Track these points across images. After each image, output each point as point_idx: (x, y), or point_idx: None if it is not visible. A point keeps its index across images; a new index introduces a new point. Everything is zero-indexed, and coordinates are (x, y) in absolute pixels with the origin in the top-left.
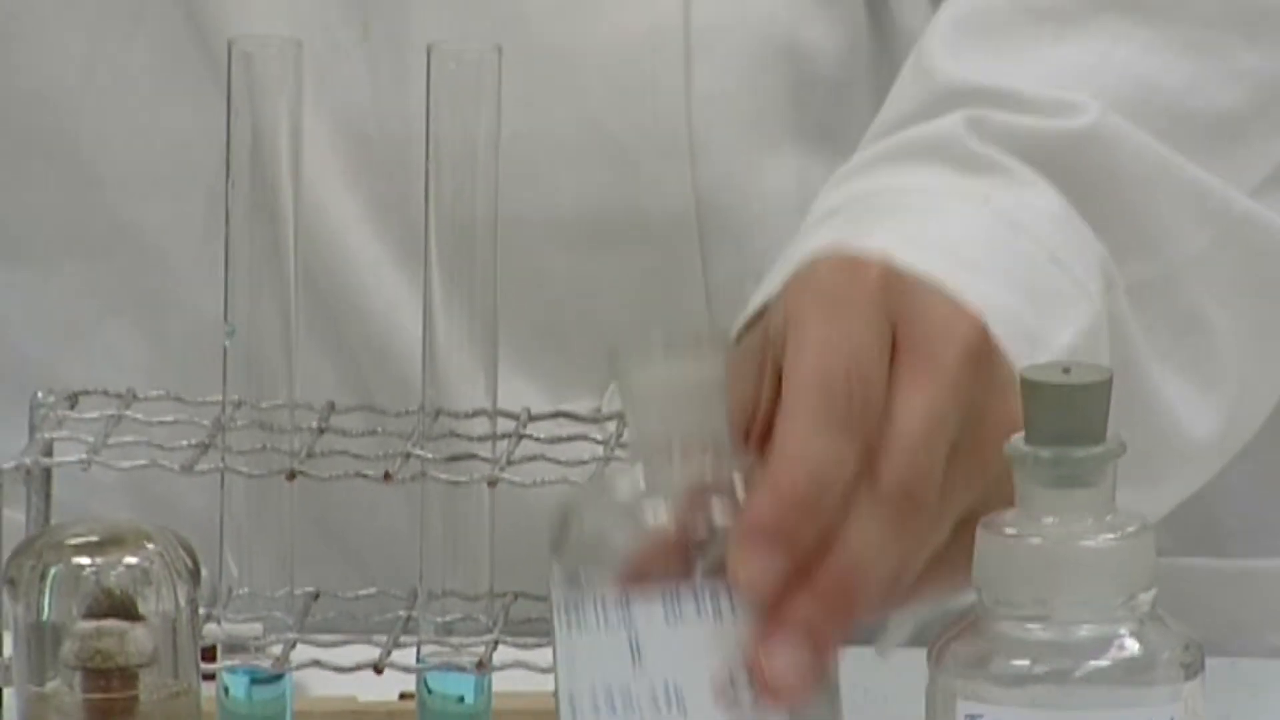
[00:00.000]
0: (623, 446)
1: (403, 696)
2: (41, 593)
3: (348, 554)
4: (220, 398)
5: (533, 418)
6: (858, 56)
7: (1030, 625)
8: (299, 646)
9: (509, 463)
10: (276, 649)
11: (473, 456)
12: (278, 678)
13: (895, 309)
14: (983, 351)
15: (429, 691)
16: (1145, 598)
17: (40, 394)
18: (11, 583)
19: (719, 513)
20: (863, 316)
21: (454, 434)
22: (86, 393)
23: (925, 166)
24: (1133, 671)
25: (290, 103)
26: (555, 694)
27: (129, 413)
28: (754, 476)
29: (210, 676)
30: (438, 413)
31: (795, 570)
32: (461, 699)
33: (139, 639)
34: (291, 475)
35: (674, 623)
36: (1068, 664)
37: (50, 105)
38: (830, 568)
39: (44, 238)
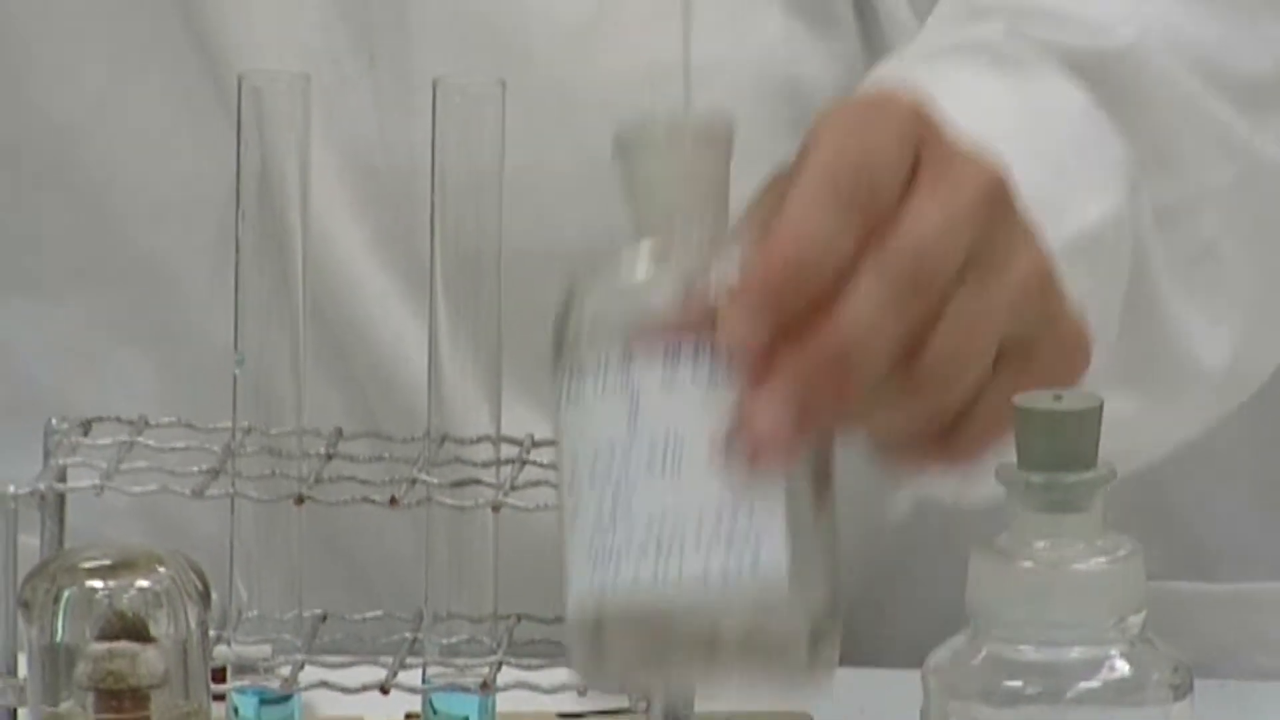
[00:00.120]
0: None
1: (408, 717)
2: (55, 615)
3: (355, 577)
4: (230, 424)
5: (536, 444)
6: (853, 89)
7: (1023, 646)
8: (307, 668)
9: (513, 488)
10: (285, 670)
11: (477, 482)
12: (286, 698)
13: (920, 137)
14: (1002, 196)
15: (434, 712)
16: (1135, 620)
17: (54, 421)
18: (26, 605)
19: (719, 292)
20: (885, 131)
21: (459, 460)
22: (99, 419)
23: (960, 61)
24: (1123, 692)
25: (298, 136)
26: (558, 473)
27: (141, 439)
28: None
29: (220, 697)
30: (443, 439)
31: (787, 340)
32: (466, 719)
33: (151, 660)
34: (300, 500)
35: (672, 387)
36: (1059, 685)
37: (64, 138)
38: (822, 332)
39: (58, 268)
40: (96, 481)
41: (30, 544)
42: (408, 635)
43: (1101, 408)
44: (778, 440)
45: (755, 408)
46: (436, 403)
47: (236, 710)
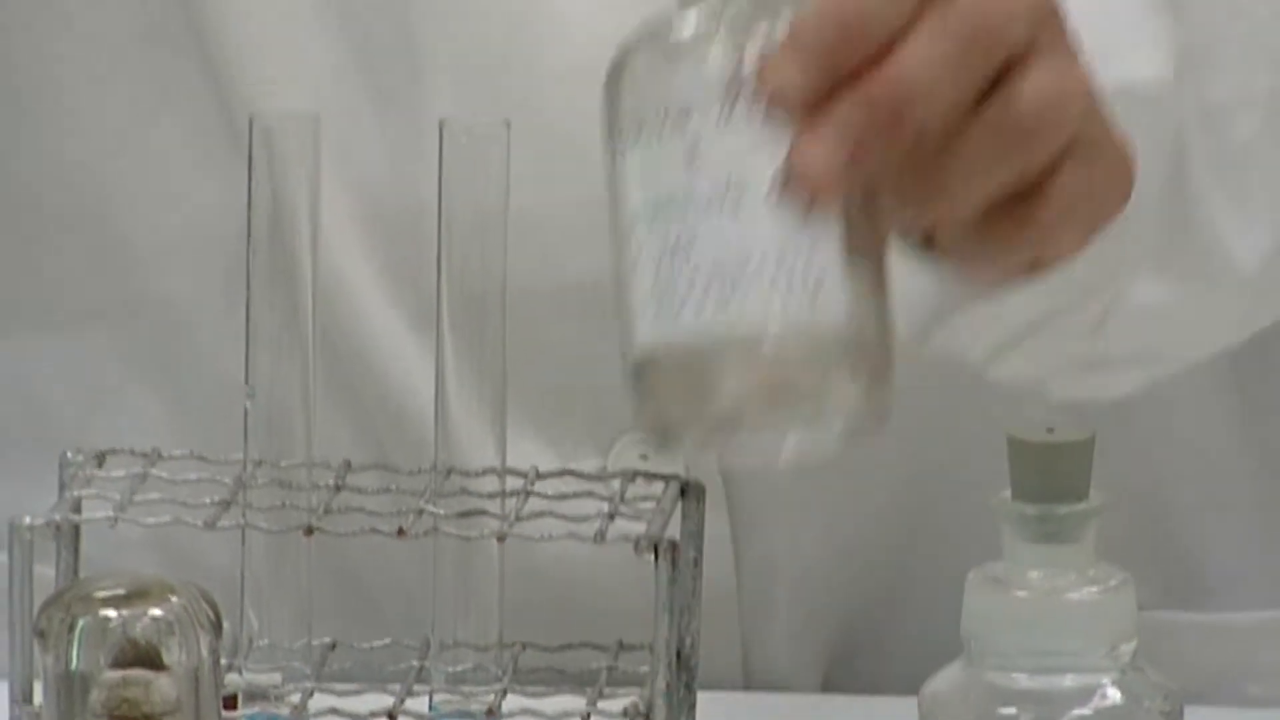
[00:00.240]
0: (626, 502)
1: None
2: (70, 643)
3: (363, 606)
4: (241, 457)
5: (540, 476)
6: None
7: (1016, 674)
8: (316, 695)
9: (517, 519)
10: (295, 697)
11: (483, 513)
12: None
13: None
14: (1054, 9)
15: None
16: (1127, 649)
17: (69, 453)
18: (42, 634)
19: (772, 42)
20: None
21: (465, 491)
22: (113, 452)
23: None
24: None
25: (309, 175)
26: (611, 222)
27: (154, 471)
28: None
29: None
30: (449, 471)
31: (839, 85)
32: None
33: (163, 688)
34: (309, 531)
35: (728, 132)
36: (1053, 712)
37: (82, 177)
38: (877, 75)
39: (74, 304)
40: (111, 513)
41: (46, 574)
42: (415, 663)
43: (1093, 440)
44: (830, 179)
45: (808, 148)
46: (443, 436)
47: None
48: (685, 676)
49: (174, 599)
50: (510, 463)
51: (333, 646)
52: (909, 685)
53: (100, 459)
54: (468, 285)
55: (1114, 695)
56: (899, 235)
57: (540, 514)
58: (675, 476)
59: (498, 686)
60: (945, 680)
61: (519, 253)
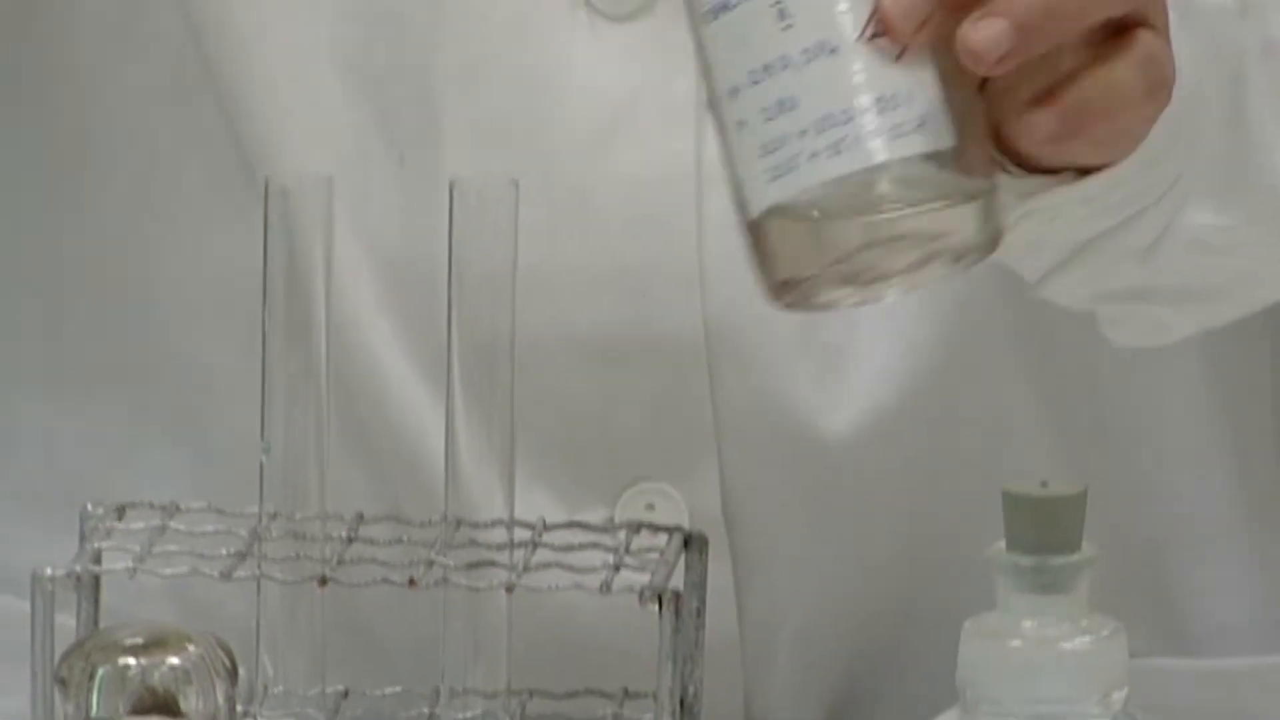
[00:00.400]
0: (631, 554)
1: None
2: (90, 691)
3: (375, 655)
4: (257, 510)
5: (548, 527)
6: None
7: None
8: None
9: (525, 570)
10: None
11: (492, 564)
12: None
13: None
14: None
15: None
16: (1119, 696)
17: (90, 506)
18: (63, 682)
19: None
20: None
21: (474, 543)
22: (133, 505)
23: None
24: None
25: (324, 235)
26: (710, 101)
27: (172, 524)
28: None
29: None
30: (459, 523)
31: None
32: None
33: None
34: (323, 581)
35: None
36: None
37: (101, 238)
38: None
39: (93, 361)
40: (130, 564)
41: (67, 623)
42: (426, 710)
43: (1086, 494)
44: (915, 19)
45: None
46: (454, 487)
47: None
48: None
49: (191, 648)
50: (520, 513)
51: (345, 694)
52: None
53: (120, 512)
54: (478, 340)
55: None
56: None
57: (548, 565)
58: (679, 528)
59: None
60: None
61: (532, 307)
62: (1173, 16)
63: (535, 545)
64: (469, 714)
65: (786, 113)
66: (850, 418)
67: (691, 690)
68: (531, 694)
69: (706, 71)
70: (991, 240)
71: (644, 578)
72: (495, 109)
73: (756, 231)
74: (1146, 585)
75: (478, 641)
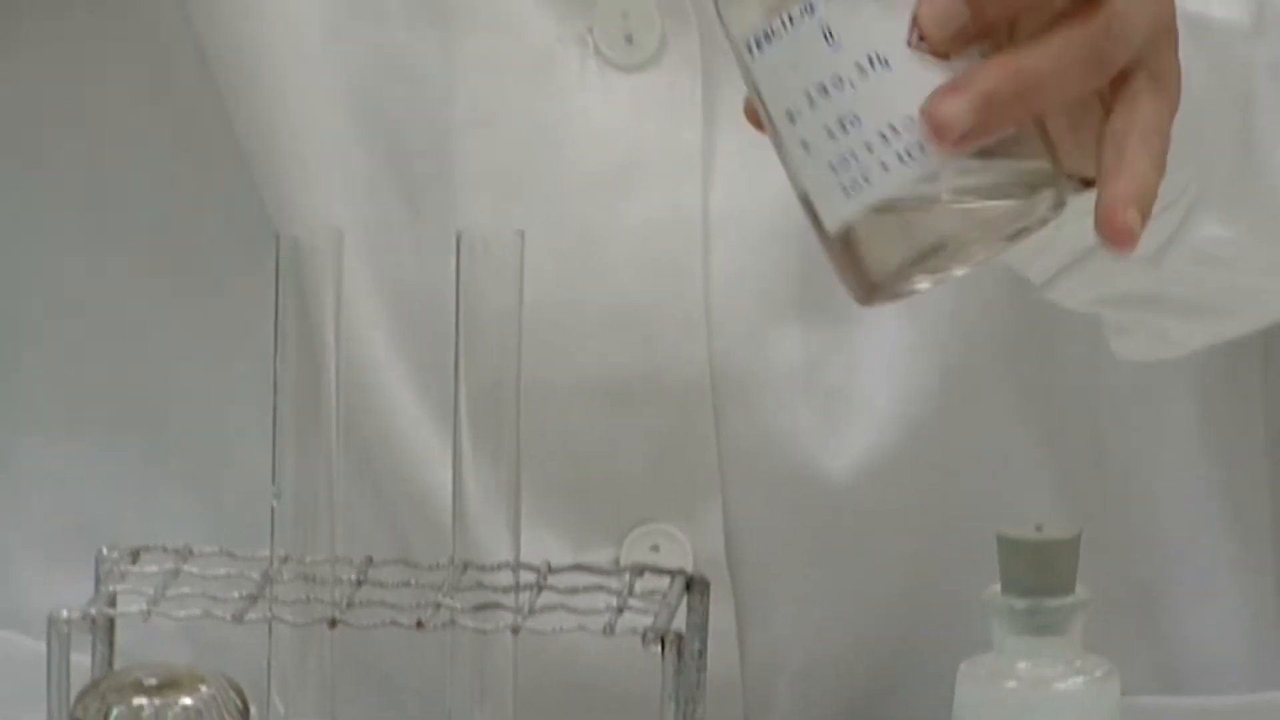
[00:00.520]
0: (635, 596)
1: None
2: None
3: (384, 695)
4: (269, 553)
5: (553, 570)
6: None
7: None
8: None
9: (531, 612)
10: None
11: (498, 606)
12: None
13: None
14: None
15: None
16: None
17: (104, 550)
18: None
19: None
20: None
21: (481, 585)
22: (147, 549)
23: None
24: None
25: (334, 285)
26: (768, 125)
27: (185, 567)
28: None
29: None
30: (466, 566)
31: None
32: None
33: None
34: (333, 624)
35: (856, 6)
36: None
37: (116, 282)
38: None
39: (108, 407)
40: (144, 607)
41: (82, 663)
42: None
43: (1079, 538)
44: (956, 27)
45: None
46: (462, 530)
47: None
48: None
49: (204, 688)
50: (527, 553)
51: None
52: None
53: (134, 555)
54: (485, 384)
55: None
56: None
57: (553, 607)
58: (681, 571)
59: None
60: None
61: (541, 350)
62: (1185, 35)
63: (540, 588)
64: None
65: (850, 129)
66: (852, 459)
67: None
68: None
69: (756, 96)
70: (1058, 208)
71: (647, 620)
72: (508, 156)
73: (838, 244)
74: (1140, 624)
75: (484, 682)
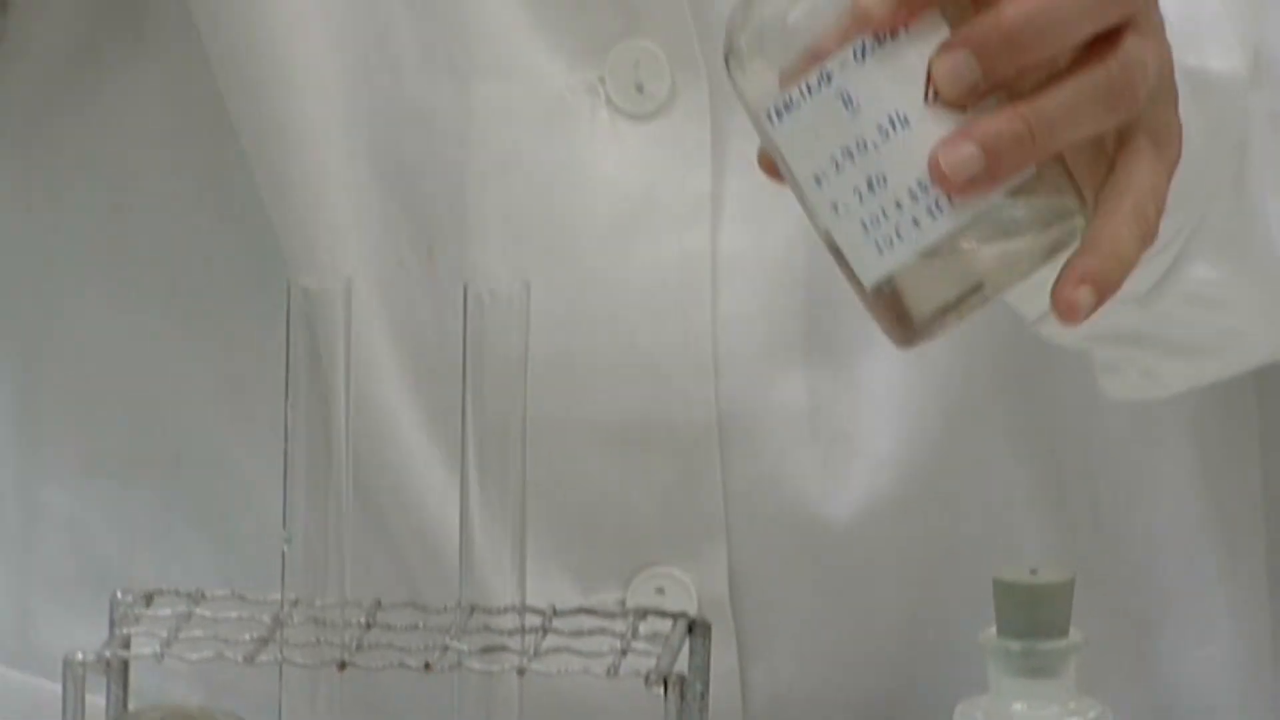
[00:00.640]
0: (638, 638)
1: None
2: None
3: None
4: (279, 596)
5: (558, 613)
6: None
7: None
8: None
9: (536, 654)
10: None
11: (504, 649)
12: None
13: None
14: None
15: None
16: None
17: (119, 593)
18: None
19: None
20: None
21: (487, 628)
22: (160, 592)
23: None
24: None
25: (344, 332)
26: (793, 186)
27: (198, 610)
28: None
29: None
30: (472, 609)
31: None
32: None
33: None
34: (342, 666)
35: (866, 64)
36: None
37: (131, 329)
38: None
39: (123, 452)
40: (157, 649)
41: (97, 704)
42: None
43: (1073, 582)
44: (971, 85)
45: (945, 66)
46: (470, 573)
47: None
48: None
49: None
50: (536, 595)
51: None
52: None
53: (148, 599)
54: (494, 430)
55: None
56: None
57: (558, 649)
58: (683, 614)
59: None
60: None
61: (552, 394)
62: (1186, 89)
63: (546, 630)
64: None
65: (878, 188)
66: (853, 502)
67: None
68: None
69: (779, 160)
70: (1078, 233)
71: (650, 662)
72: (521, 203)
73: (874, 296)
74: (1135, 664)
75: None
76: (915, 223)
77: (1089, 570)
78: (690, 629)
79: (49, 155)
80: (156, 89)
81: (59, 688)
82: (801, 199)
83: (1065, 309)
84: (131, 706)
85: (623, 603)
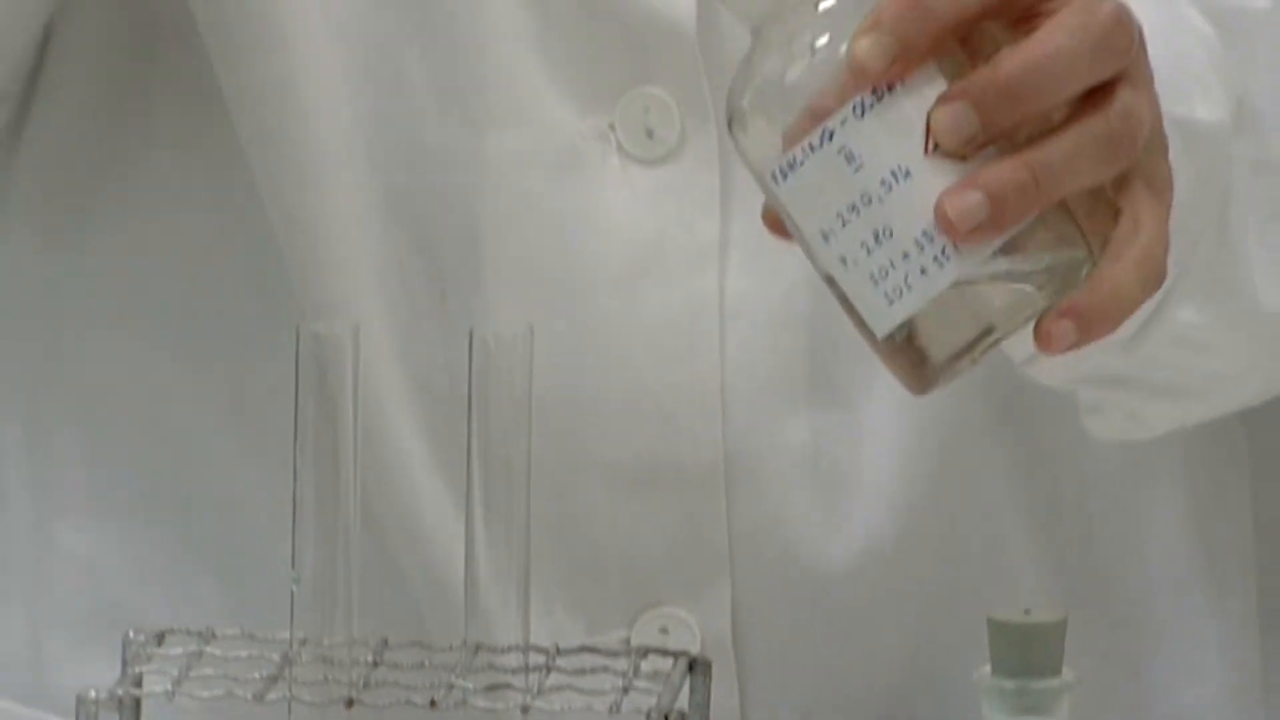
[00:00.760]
0: (640, 676)
1: None
2: None
3: None
4: (288, 635)
5: (561, 652)
6: None
7: None
8: None
9: (540, 692)
10: None
11: (508, 686)
12: None
13: None
14: (1133, 32)
15: None
16: None
17: (131, 632)
18: None
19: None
20: None
21: (492, 666)
22: (171, 631)
23: None
24: None
25: (352, 378)
26: (800, 241)
27: (208, 649)
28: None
29: None
30: (477, 647)
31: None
32: None
33: None
34: (350, 703)
35: (871, 113)
36: None
37: (144, 372)
38: (1014, 52)
39: (135, 494)
40: (169, 687)
41: None
42: None
43: (1066, 621)
44: (969, 137)
45: (944, 110)
46: (476, 612)
47: None
48: None
49: None
50: (543, 634)
51: None
52: None
53: (159, 638)
54: (502, 473)
55: None
56: None
57: (561, 688)
58: (684, 653)
59: None
60: None
61: (562, 435)
62: (1175, 138)
63: (549, 669)
64: None
65: (884, 241)
66: (854, 543)
67: None
68: None
69: (786, 218)
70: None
71: (652, 700)
72: (533, 247)
73: (888, 347)
74: (1127, 703)
75: None
76: (923, 272)
77: (1082, 610)
78: (691, 667)
79: (72, 202)
80: (174, 136)
81: None
82: (809, 254)
83: (1043, 339)
84: None
85: (627, 642)
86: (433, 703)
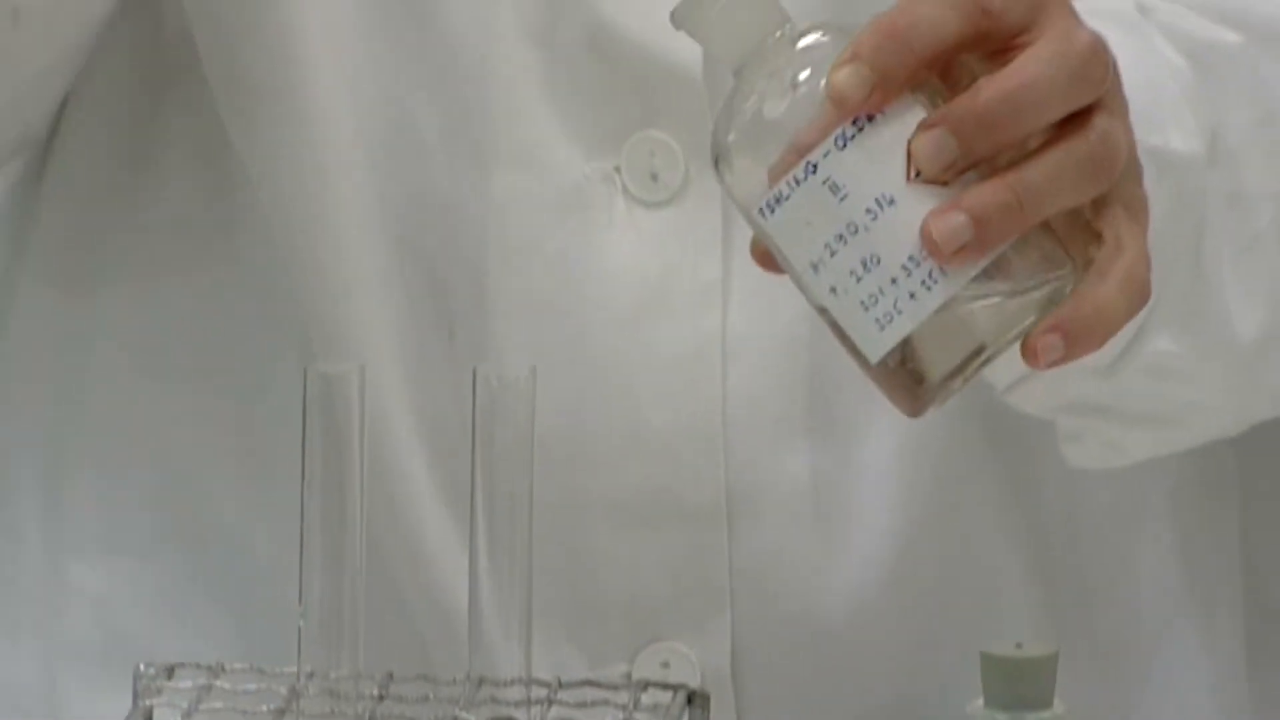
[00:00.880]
0: (640, 709)
1: None
2: None
3: None
4: (296, 669)
5: (563, 685)
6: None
7: None
8: None
9: None
10: None
11: (511, 719)
12: None
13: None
14: (1108, 63)
15: None
16: None
17: (142, 666)
18: None
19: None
20: None
21: (495, 699)
22: (181, 665)
23: (1087, 16)
24: None
25: (358, 415)
26: (790, 272)
27: (217, 682)
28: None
29: None
30: (481, 680)
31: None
32: None
33: None
34: None
35: (853, 144)
36: None
37: (154, 412)
38: (995, 80)
39: (144, 530)
40: None
41: None
42: None
43: (1057, 655)
44: (950, 161)
45: (924, 137)
46: (480, 646)
47: None
48: None
49: None
50: (547, 667)
51: None
52: None
53: (170, 671)
54: (506, 509)
55: None
56: None
57: None
58: (683, 686)
59: None
60: None
61: (566, 469)
62: (1150, 166)
63: (551, 702)
64: None
65: (872, 268)
66: (851, 577)
67: None
68: None
69: (775, 252)
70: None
71: None
72: (540, 288)
73: (881, 372)
74: None
75: None
76: (912, 296)
77: (1072, 644)
78: (690, 700)
79: (90, 250)
80: (186, 184)
81: None
82: (800, 285)
83: (1031, 355)
84: None
85: (628, 675)
86: None
